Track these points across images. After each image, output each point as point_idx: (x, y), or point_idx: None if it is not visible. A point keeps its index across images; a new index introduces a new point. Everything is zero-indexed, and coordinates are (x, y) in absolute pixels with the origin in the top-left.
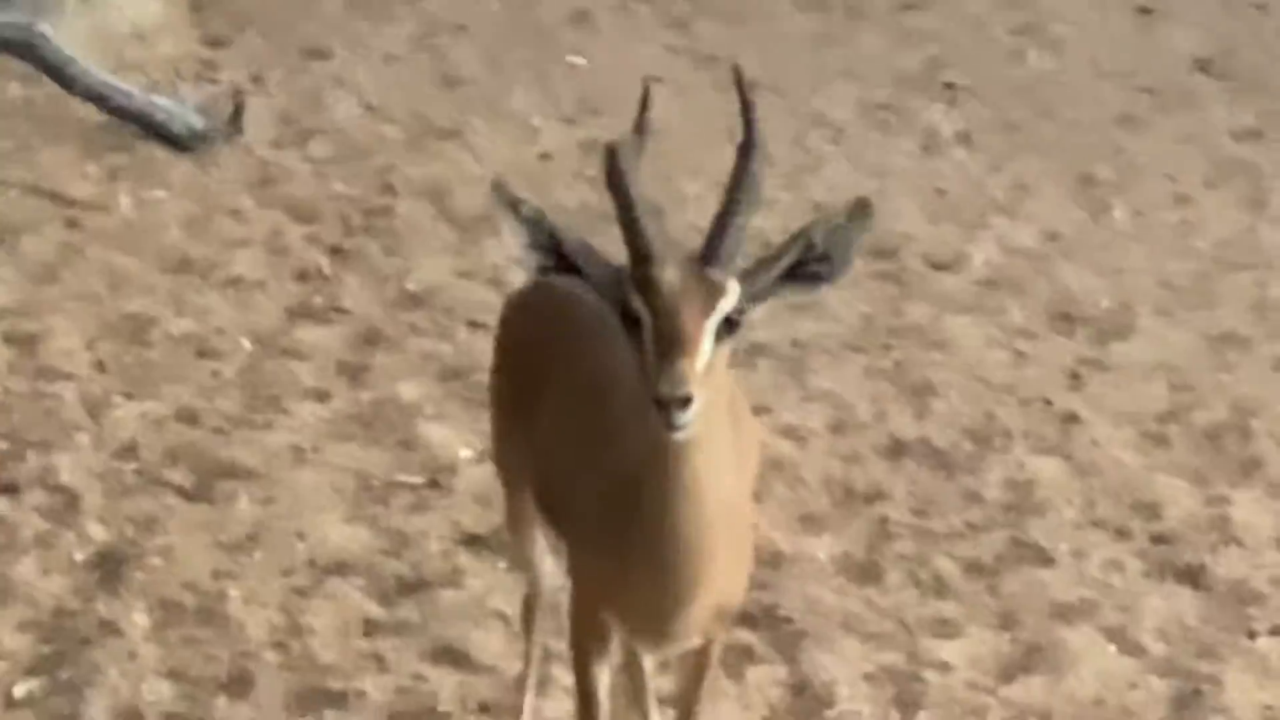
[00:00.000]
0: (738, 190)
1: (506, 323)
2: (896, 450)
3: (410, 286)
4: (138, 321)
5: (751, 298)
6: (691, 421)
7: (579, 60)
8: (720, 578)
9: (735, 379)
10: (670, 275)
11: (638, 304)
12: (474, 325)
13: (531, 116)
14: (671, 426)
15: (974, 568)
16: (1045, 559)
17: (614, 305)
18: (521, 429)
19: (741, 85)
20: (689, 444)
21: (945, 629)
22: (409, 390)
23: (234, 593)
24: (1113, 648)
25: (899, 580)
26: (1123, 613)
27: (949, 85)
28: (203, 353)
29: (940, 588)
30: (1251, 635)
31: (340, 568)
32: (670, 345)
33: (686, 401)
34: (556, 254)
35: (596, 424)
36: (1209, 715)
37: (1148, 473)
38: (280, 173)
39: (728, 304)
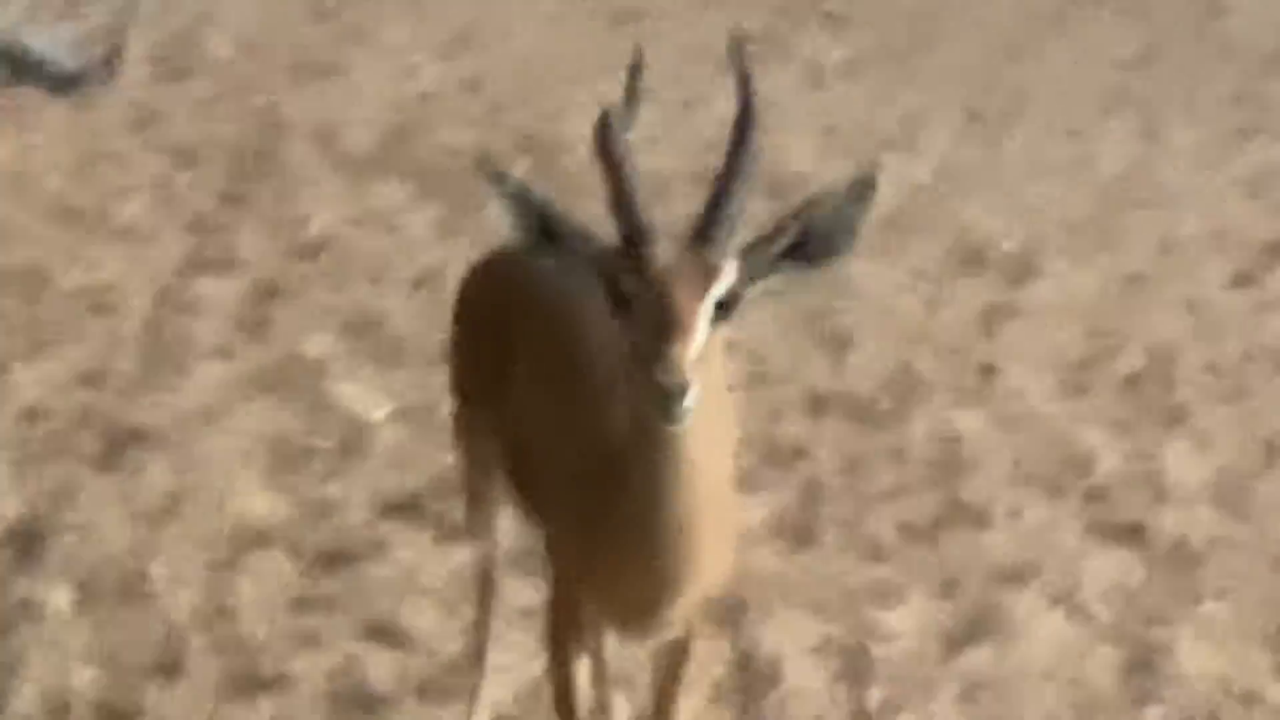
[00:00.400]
0: (734, 166)
1: (467, 292)
2: (818, 405)
3: (305, 235)
4: (29, 276)
5: (749, 278)
6: (688, 410)
7: None
8: (709, 565)
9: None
10: (664, 255)
11: (630, 285)
12: (374, 275)
13: (409, 51)
14: (667, 415)
15: (909, 530)
16: (981, 520)
17: (604, 285)
18: (487, 406)
19: (740, 54)
20: (682, 430)
21: (887, 596)
22: (314, 346)
23: (156, 569)
24: (1059, 613)
25: (835, 544)
26: (1066, 576)
27: (829, 14)
28: (98, 308)
29: (877, 552)
30: (1197, 600)
31: (261, 539)
32: (665, 330)
33: (683, 390)
34: (543, 230)
35: (574, 401)
36: (1163, 685)
37: (1072, 424)
38: (160, 114)
39: (724, 285)
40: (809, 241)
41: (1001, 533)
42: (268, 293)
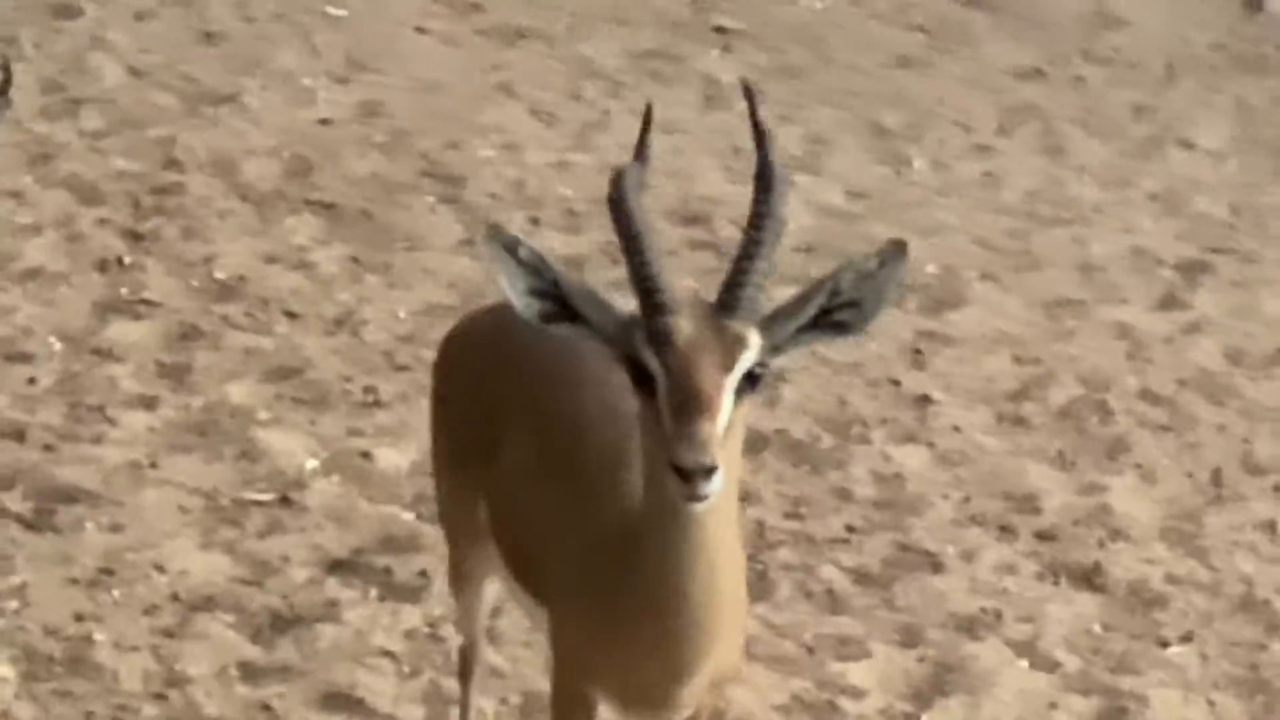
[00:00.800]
0: (757, 230)
1: (449, 358)
2: (755, 444)
3: (217, 274)
4: None
5: (773, 349)
6: (713, 491)
7: (339, 11)
8: (726, 641)
9: None
10: (687, 327)
11: (651, 359)
12: (291, 315)
13: (302, 76)
14: (693, 497)
15: (864, 577)
16: (934, 564)
17: (623, 359)
18: (475, 479)
19: (753, 108)
20: (706, 511)
21: (849, 649)
22: (238, 393)
23: (100, 636)
24: (1024, 663)
25: (790, 594)
26: (1027, 623)
27: (720, 29)
28: (13, 357)
29: (834, 602)
30: (1163, 644)
31: (206, 602)
32: (689, 407)
33: (708, 471)
34: (558, 300)
35: (575, 472)
36: None
37: (1014, 459)
38: (56, 148)
39: (749, 357)
40: (835, 309)
41: (956, 577)
42: (185, 336)
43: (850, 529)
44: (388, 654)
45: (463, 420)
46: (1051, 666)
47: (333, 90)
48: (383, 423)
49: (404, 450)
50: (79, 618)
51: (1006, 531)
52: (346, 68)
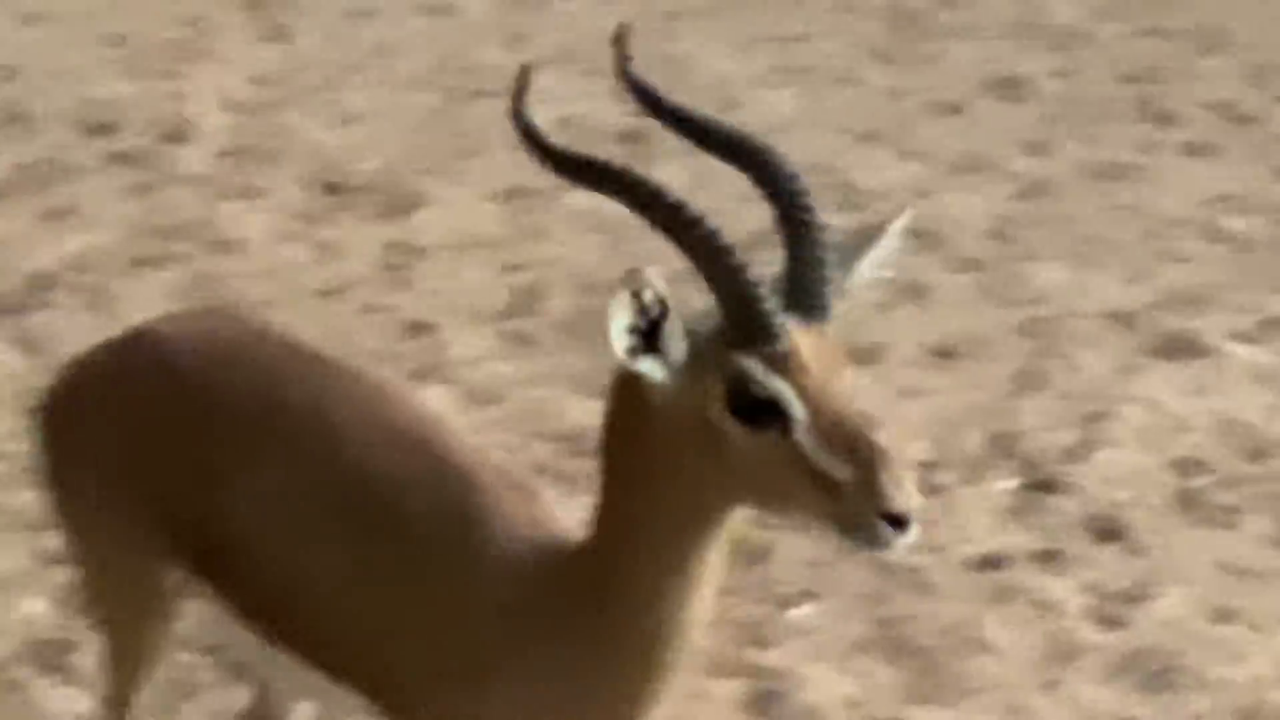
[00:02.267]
0: (807, 216)
1: (70, 418)
2: None
3: None
4: None
5: None
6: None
7: None
8: None
9: None
10: (812, 348)
11: (783, 390)
12: None
13: None
14: (890, 545)
15: None
16: None
17: (719, 391)
18: (167, 549)
19: None
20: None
21: None
22: None
23: None
24: None
25: None
26: None
27: None
28: None
29: None
30: (785, 605)
31: None
32: (869, 443)
33: (918, 513)
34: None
35: (389, 535)
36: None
37: (541, 389)
38: None
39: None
40: None
41: None
42: None
43: None
44: None
45: (129, 489)
46: None
47: None
48: None
49: None
50: None
51: (569, 481)
52: None
